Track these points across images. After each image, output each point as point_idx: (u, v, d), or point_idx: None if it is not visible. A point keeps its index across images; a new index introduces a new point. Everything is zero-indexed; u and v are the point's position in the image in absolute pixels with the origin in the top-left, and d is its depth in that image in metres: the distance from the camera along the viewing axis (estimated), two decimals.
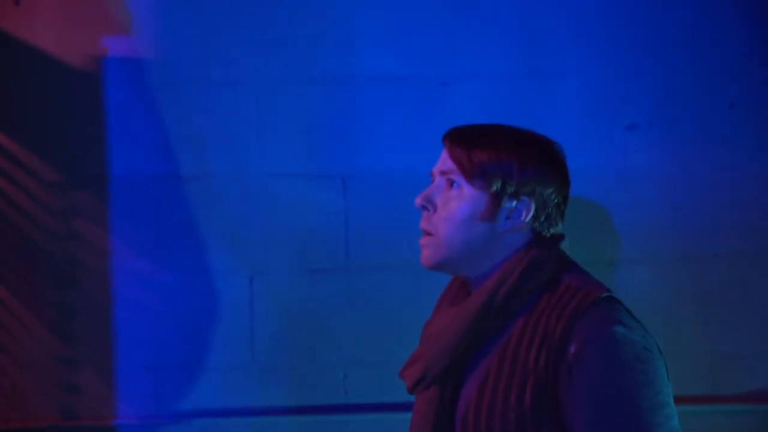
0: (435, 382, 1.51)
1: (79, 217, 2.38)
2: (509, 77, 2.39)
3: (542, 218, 1.52)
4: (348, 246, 2.38)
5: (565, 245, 1.54)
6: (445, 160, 1.54)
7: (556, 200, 1.53)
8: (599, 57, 2.41)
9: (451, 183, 1.52)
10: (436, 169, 1.55)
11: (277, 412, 2.40)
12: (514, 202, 1.50)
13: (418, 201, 1.54)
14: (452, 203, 1.51)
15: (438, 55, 2.40)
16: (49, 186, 2.38)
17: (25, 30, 2.37)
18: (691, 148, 2.41)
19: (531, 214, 1.51)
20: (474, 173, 1.49)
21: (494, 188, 1.49)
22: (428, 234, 1.54)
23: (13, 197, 2.38)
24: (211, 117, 2.39)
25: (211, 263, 2.39)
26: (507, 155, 1.50)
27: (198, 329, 2.39)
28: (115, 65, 2.38)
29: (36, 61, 2.37)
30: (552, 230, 1.54)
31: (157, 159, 2.39)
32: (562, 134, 2.34)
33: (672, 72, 2.41)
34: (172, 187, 2.38)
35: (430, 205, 1.53)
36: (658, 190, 2.42)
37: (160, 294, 2.38)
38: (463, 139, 1.53)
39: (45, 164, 2.38)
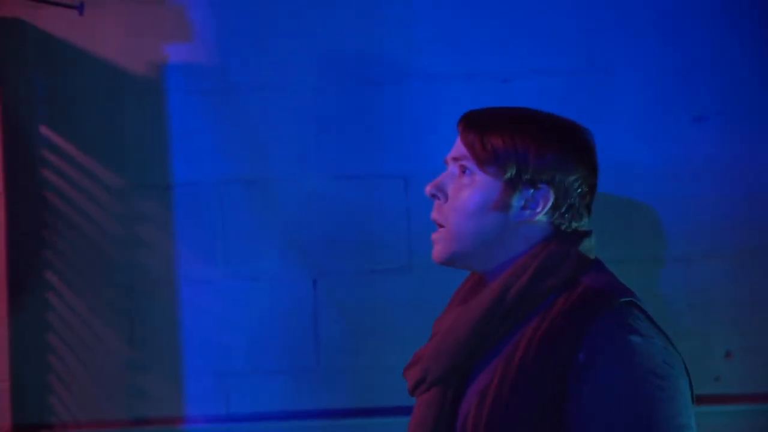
0: (435, 384, 1.39)
1: (144, 224, 2.41)
2: (571, 72, 2.35)
3: (563, 209, 1.38)
4: (411, 246, 2.37)
5: (589, 244, 1.40)
6: (458, 146, 1.42)
7: (579, 190, 1.39)
8: (660, 49, 2.36)
9: (463, 170, 1.40)
10: (449, 156, 1.44)
11: (343, 414, 2.39)
12: (531, 191, 1.37)
13: (428, 189, 1.43)
14: (463, 191, 1.39)
15: (498, 51, 2.37)
16: (114, 193, 2.41)
17: (89, 40, 2.40)
18: (761, 139, 2.35)
19: (549, 204, 1.37)
20: (486, 158, 1.37)
21: (508, 175, 1.37)
22: (440, 226, 1.43)
23: (79, 204, 2.41)
24: (271, 121, 2.39)
25: (275, 267, 2.39)
26: (523, 139, 1.37)
27: (263, 333, 2.39)
28: (175, 72, 2.40)
29: (99, 70, 2.40)
30: (575, 224, 1.40)
31: (219, 164, 2.40)
32: (626, 128, 2.34)
33: (738, 62, 2.35)
34: (235, 192, 2.39)
35: (440, 193, 1.42)
36: (728, 183, 2.35)
37: (224, 298, 2.39)
38: (477, 123, 1.41)
39: (109, 171, 2.40)
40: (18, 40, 2.42)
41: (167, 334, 2.39)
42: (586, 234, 1.41)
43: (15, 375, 2.40)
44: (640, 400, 1.25)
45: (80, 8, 2.26)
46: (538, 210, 1.38)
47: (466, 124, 1.42)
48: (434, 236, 1.44)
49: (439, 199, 1.43)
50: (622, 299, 1.32)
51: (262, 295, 2.39)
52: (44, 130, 2.42)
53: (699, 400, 2.24)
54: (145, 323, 2.40)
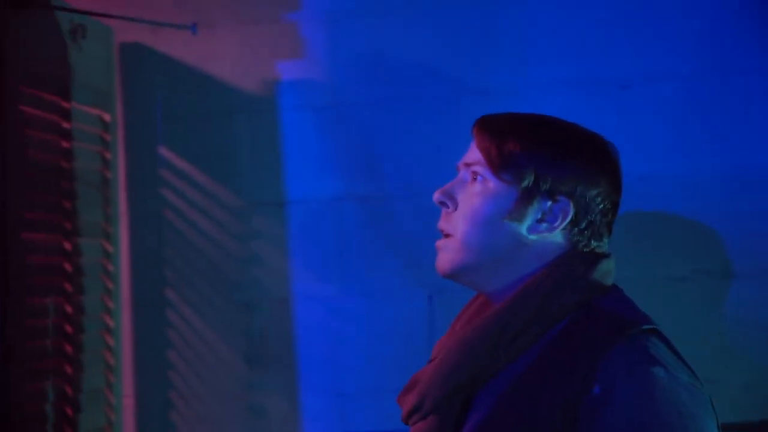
0: (433, 412, 1.26)
1: (260, 241, 2.42)
2: (693, 76, 2.22)
3: (582, 225, 1.27)
4: None
5: (607, 267, 1.28)
6: (471, 151, 1.32)
7: (602, 206, 1.28)
8: None
9: (475, 176, 1.30)
10: (461, 162, 1.34)
11: None
12: (549, 203, 1.26)
13: (436, 196, 1.33)
14: (474, 199, 1.28)
15: (616, 57, 2.26)
16: (230, 211, 2.43)
17: (205, 60, 2.44)
18: None
19: (569, 218, 1.26)
20: (502, 164, 1.26)
21: (525, 183, 1.26)
22: (446, 235, 1.32)
23: (197, 222, 2.44)
24: (384, 136, 2.37)
25: (390, 283, 2.36)
26: (544, 145, 1.26)
27: (379, 350, 2.36)
28: (288, 89, 2.41)
29: (215, 89, 2.43)
30: (594, 243, 1.28)
31: (332, 181, 2.38)
32: (760, 131, 2.19)
33: None
34: (349, 209, 2.37)
35: (450, 201, 1.32)
36: None
37: (340, 316, 2.37)
38: (494, 127, 1.31)
39: (225, 189, 2.43)
40: (138, 63, 2.48)
41: (284, 351, 2.39)
42: (605, 256, 1.29)
43: (139, 391, 2.45)
44: None
45: (193, 28, 2.29)
46: (556, 224, 1.26)
47: (481, 127, 1.32)
48: (439, 243, 1.33)
49: (447, 207, 1.33)
50: (644, 327, 1.21)
51: (378, 312, 2.35)
52: (163, 150, 2.46)
53: None
54: (261, 341, 2.40)
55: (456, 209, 1.32)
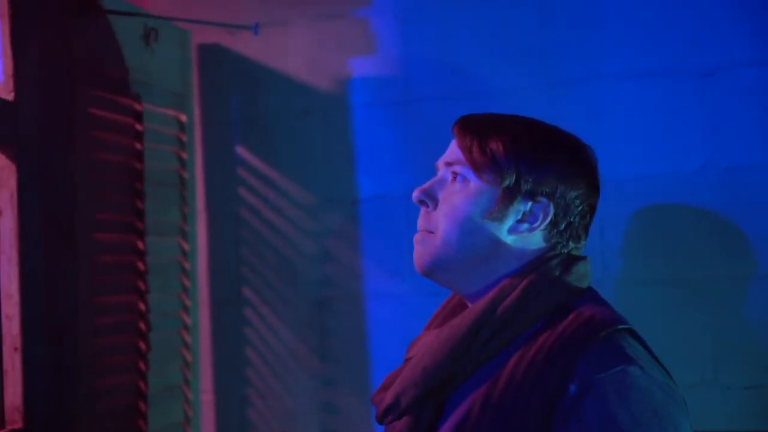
0: (408, 412, 1.26)
1: (333, 239, 2.42)
2: None
3: (562, 227, 1.27)
4: (605, 258, 2.20)
5: (584, 270, 1.27)
6: (452, 150, 1.32)
7: (581, 208, 1.28)
8: None
9: (455, 176, 1.30)
10: (441, 161, 1.34)
11: None
12: (530, 203, 1.27)
13: (416, 195, 1.32)
14: (455, 198, 1.28)
15: (698, 45, 2.14)
16: (304, 209, 2.43)
17: (278, 59, 2.45)
18: None
19: (548, 219, 1.26)
20: (484, 163, 1.26)
21: (507, 183, 1.26)
22: (428, 232, 1.31)
23: (272, 221, 2.46)
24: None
25: None
26: (525, 145, 1.26)
27: None
28: (360, 86, 2.39)
29: (288, 88, 2.44)
30: (571, 245, 1.28)
31: (404, 177, 2.36)
32: None
33: None
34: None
35: (430, 200, 1.31)
36: None
37: (411, 314, 2.34)
38: (475, 127, 1.31)
39: (299, 187, 2.44)
40: (216, 64, 2.51)
41: (356, 349, 2.38)
42: (582, 258, 1.28)
43: (218, 388, 2.49)
44: None
45: (255, 29, 2.30)
46: (536, 225, 1.26)
47: (462, 127, 1.32)
48: (417, 238, 1.32)
49: (427, 205, 1.32)
50: (619, 327, 1.20)
51: None
52: (240, 150, 2.49)
53: None
54: (334, 338, 2.40)
55: (436, 208, 1.31)
